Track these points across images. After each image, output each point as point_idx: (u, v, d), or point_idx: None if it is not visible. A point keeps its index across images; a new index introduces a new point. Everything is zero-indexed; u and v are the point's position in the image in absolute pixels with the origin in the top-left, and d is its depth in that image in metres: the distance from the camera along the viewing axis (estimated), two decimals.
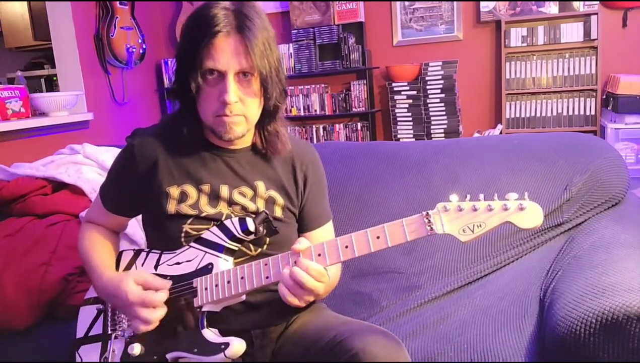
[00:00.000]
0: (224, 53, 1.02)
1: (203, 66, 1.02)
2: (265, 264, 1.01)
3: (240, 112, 1.06)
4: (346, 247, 0.96)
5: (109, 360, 1.11)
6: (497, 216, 0.88)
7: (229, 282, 1.03)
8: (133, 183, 1.16)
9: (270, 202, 1.16)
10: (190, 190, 1.13)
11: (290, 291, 0.96)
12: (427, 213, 0.92)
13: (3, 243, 1.69)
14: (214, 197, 1.13)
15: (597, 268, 1.17)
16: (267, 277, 1.01)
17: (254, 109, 1.09)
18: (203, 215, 1.12)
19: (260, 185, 1.16)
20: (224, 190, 1.13)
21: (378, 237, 0.94)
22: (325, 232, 1.24)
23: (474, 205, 0.90)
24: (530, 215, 0.87)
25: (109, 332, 1.15)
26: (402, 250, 1.57)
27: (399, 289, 1.51)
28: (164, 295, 1.06)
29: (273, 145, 1.16)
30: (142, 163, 1.14)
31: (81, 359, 1.16)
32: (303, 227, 1.23)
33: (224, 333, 1.08)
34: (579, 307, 1.03)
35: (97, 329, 1.17)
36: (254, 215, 1.11)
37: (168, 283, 1.08)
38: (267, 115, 1.13)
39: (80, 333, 1.19)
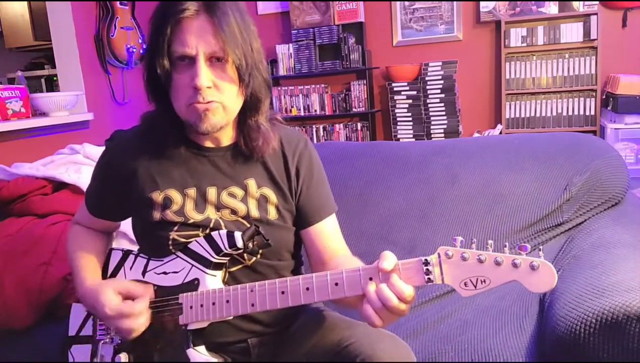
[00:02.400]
0: (192, 35, 0.94)
1: (171, 52, 0.95)
2: (252, 291, 0.96)
3: (216, 99, 0.97)
4: (336, 284, 0.90)
5: None
6: (505, 273, 0.80)
7: (214, 303, 0.98)
8: (114, 189, 1.11)
9: (262, 201, 1.08)
10: (175, 195, 1.06)
11: (378, 314, 0.86)
12: (426, 260, 0.85)
13: (3, 243, 1.68)
14: (201, 201, 1.06)
15: (597, 268, 1.17)
16: (252, 305, 0.95)
17: (231, 96, 0.99)
18: (190, 222, 1.04)
19: (252, 184, 1.08)
20: (212, 193, 1.06)
21: (371, 279, 0.88)
22: (327, 227, 1.14)
23: (479, 256, 0.81)
24: (541, 277, 0.78)
25: (98, 338, 1.12)
26: (403, 249, 1.57)
27: None
28: (142, 305, 1.00)
29: (254, 142, 1.06)
30: (122, 169, 1.08)
31: (73, 358, 1.14)
32: (304, 222, 1.13)
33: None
34: (578, 307, 1.03)
35: (88, 330, 1.14)
36: (244, 226, 1.05)
37: (150, 289, 1.03)
38: (248, 109, 1.04)
39: (72, 331, 1.16)
